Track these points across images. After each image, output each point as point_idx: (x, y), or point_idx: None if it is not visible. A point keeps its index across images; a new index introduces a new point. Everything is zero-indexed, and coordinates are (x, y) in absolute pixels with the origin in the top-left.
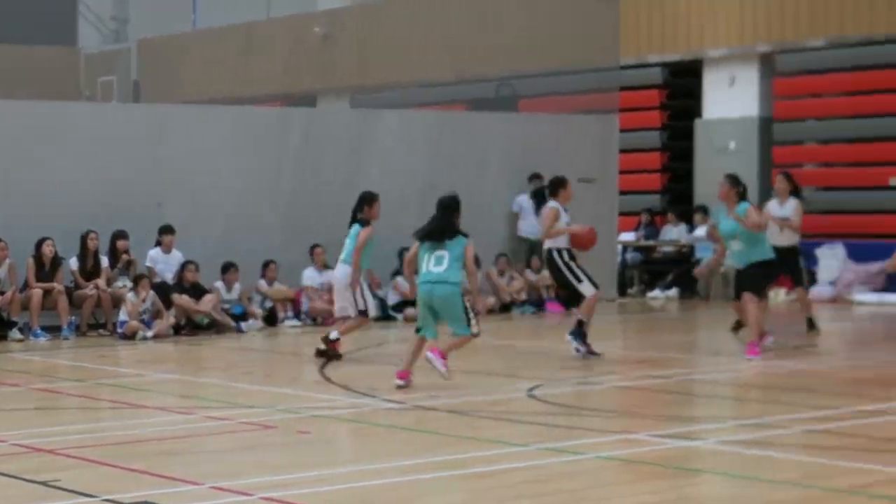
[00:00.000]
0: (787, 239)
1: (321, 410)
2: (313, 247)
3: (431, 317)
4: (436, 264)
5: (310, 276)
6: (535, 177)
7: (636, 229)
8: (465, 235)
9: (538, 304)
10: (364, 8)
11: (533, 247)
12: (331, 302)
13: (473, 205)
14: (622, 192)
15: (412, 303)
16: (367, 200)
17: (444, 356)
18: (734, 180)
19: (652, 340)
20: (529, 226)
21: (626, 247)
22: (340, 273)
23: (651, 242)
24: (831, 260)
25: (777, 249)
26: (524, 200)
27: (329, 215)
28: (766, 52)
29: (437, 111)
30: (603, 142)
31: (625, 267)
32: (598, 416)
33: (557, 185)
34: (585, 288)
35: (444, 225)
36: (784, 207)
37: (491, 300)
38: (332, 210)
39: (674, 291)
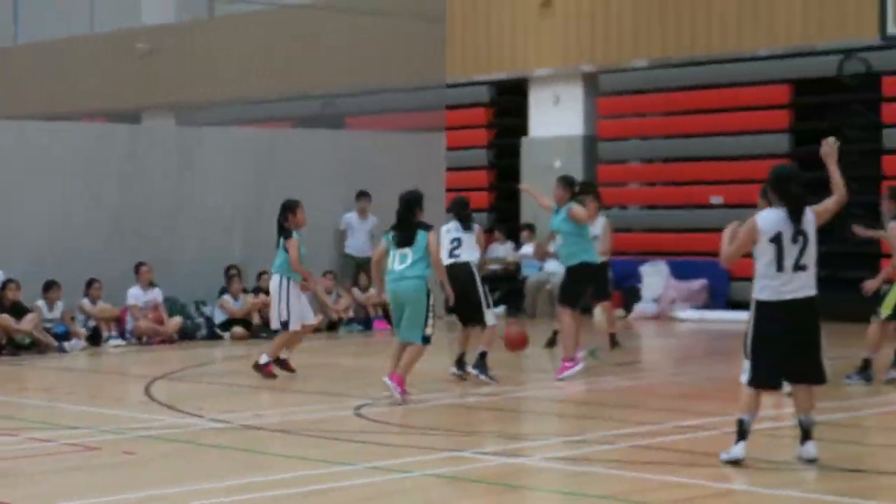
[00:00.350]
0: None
1: (147, 431)
2: (138, 265)
3: (399, 315)
4: (400, 262)
5: (135, 295)
6: (363, 194)
7: None
8: (427, 228)
9: (365, 323)
10: (189, 24)
11: (360, 265)
12: (156, 321)
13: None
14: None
15: (239, 322)
16: (290, 208)
17: (401, 383)
18: (567, 182)
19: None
20: (357, 243)
21: None
22: (272, 284)
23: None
24: (655, 277)
25: None
26: (352, 218)
27: (154, 233)
28: (590, 71)
29: (264, 128)
30: (429, 160)
31: None
32: (426, 434)
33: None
34: (490, 316)
35: (406, 222)
36: (594, 226)
37: (318, 318)
38: (158, 228)
39: (501, 309)
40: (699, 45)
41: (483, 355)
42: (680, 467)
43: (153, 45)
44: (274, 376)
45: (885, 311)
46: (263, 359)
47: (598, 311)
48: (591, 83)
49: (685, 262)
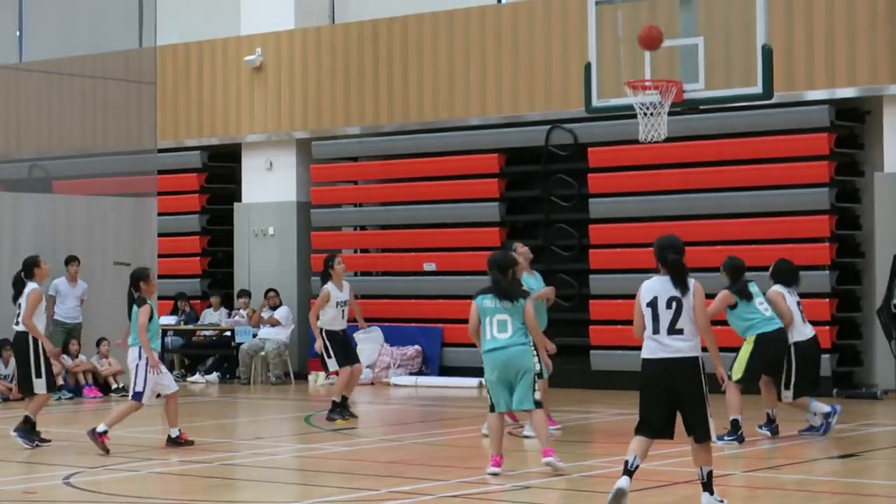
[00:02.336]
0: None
1: None
2: None
3: (505, 388)
4: (500, 330)
5: None
6: (72, 259)
7: (175, 313)
8: (525, 294)
9: (75, 391)
10: None
11: (70, 331)
12: None
13: (7, 288)
14: (161, 276)
15: None
16: (142, 277)
17: (551, 452)
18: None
19: (192, 425)
20: (66, 309)
21: (165, 331)
22: (130, 357)
23: (191, 326)
24: (369, 344)
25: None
26: (61, 283)
27: None
28: (303, 138)
29: None
30: (140, 225)
31: (164, 351)
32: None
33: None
34: (39, 385)
35: (504, 285)
36: (343, 291)
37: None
38: None
39: (214, 376)
40: (412, 113)
41: (27, 420)
42: None
43: None
44: (107, 449)
45: (735, 374)
46: (101, 427)
47: (322, 378)
48: (305, 149)
49: (399, 328)
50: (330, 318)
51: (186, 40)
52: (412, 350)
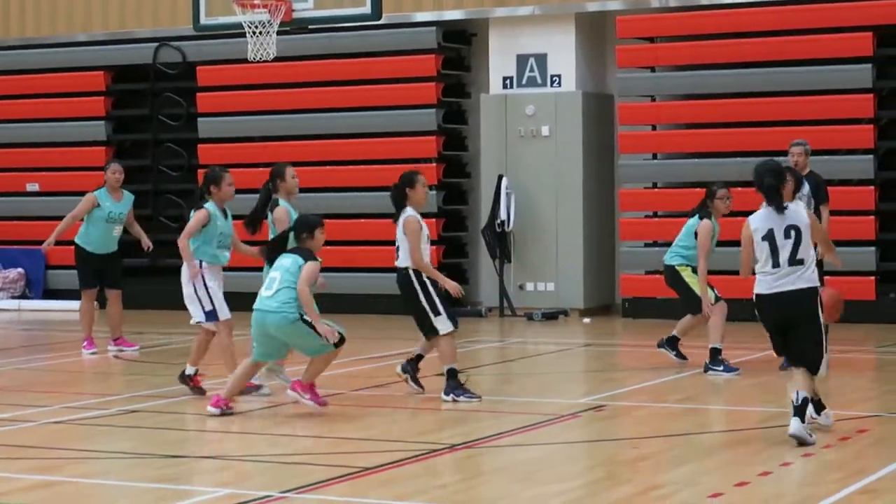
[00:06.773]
0: None
1: None
2: None
3: None
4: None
5: None
6: None
7: None
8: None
9: None
10: None
11: None
12: None
13: None
14: None
15: None
16: (214, 180)
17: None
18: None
19: None
20: None
21: None
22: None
23: None
24: None
25: None
26: None
27: None
28: None
29: None
30: None
31: None
32: None
33: None
34: None
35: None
36: None
37: None
38: None
39: None
40: (13, 28)
41: None
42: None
43: None
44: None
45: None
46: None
47: None
48: None
49: (1, 250)
50: None
51: None
52: (15, 273)
